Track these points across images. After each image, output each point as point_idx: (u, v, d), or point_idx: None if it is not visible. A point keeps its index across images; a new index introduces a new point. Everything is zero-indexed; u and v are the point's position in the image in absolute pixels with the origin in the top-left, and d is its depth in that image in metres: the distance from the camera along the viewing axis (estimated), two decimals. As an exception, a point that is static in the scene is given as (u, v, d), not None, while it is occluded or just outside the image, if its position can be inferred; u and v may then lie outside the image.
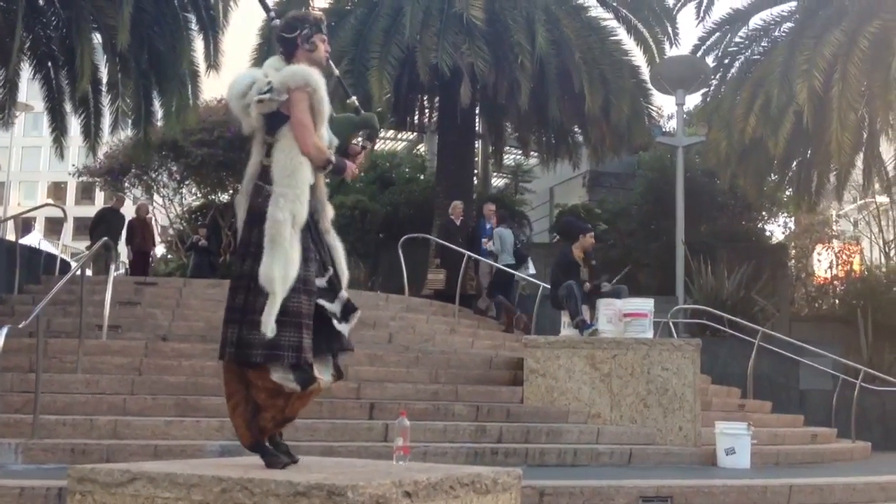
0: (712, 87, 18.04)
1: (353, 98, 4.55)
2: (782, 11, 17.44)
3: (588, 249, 10.38)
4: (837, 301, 19.56)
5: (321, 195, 4.35)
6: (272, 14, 4.48)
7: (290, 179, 4.07)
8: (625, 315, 9.18)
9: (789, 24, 17.01)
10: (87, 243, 16.73)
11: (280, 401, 4.04)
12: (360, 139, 4.54)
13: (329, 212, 4.37)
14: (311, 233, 4.22)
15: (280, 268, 3.96)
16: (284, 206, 4.02)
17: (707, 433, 8.60)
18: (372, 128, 4.54)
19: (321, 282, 4.19)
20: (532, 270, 13.76)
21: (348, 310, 4.25)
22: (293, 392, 4.01)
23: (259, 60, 16.82)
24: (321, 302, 4.13)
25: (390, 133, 24.12)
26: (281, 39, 4.36)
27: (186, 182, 23.07)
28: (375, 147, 22.20)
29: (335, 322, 4.14)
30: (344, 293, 4.26)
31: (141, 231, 17.62)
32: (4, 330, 6.03)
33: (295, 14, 4.44)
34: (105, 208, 18.22)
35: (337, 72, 4.59)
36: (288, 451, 4.17)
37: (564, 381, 8.80)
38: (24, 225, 35.71)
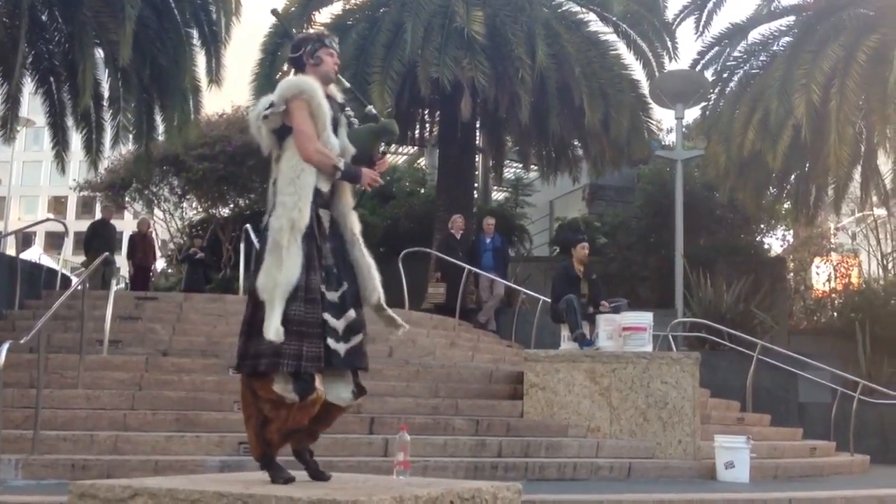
0: (711, 101, 18.08)
1: (370, 106, 4.59)
2: (781, 26, 17.49)
3: (584, 260, 10.40)
4: (836, 314, 19.53)
5: (344, 207, 4.38)
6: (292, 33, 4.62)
7: (290, 187, 4.13)
8: (624, 329, 9.21)
9: (788, 39, 17.06)
10: (85, 259, 16.73)
11: (283, 411, 4.07)
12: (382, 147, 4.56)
13: (356, 224, 4.41)
14: (330, 243, 4.25)
15: (273, 275, 4.00)
16: (282, 214, 4.09)
17: (706, 447, 8.61)
18: (392, 133, 4.53)
19: (333, 296, 4.20)
20: None
21: (351, 330, 4.23)
22: (293, 403, 4.04)
23: (261, 75, 16.89)
24: (326, 316, 4.14)
25: (391, 147, 24.18)
26: (290, 61, 4.56)
27: (187, 196, 23.07)
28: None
29: (330, 340, 4.11)
30: (352, 312, 4.24)
31: (142, 246, 17.62)
32: (6, 346, 6.05)
33: (300, 35, 4.65)
34: (96, 221, 18.01)
35: (347, 84, 4.65)
36: (317, 469, 4.21)
37: (564, 394, 8.82)
38: (25, 239, 35.72)
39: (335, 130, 4.35)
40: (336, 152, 4.27)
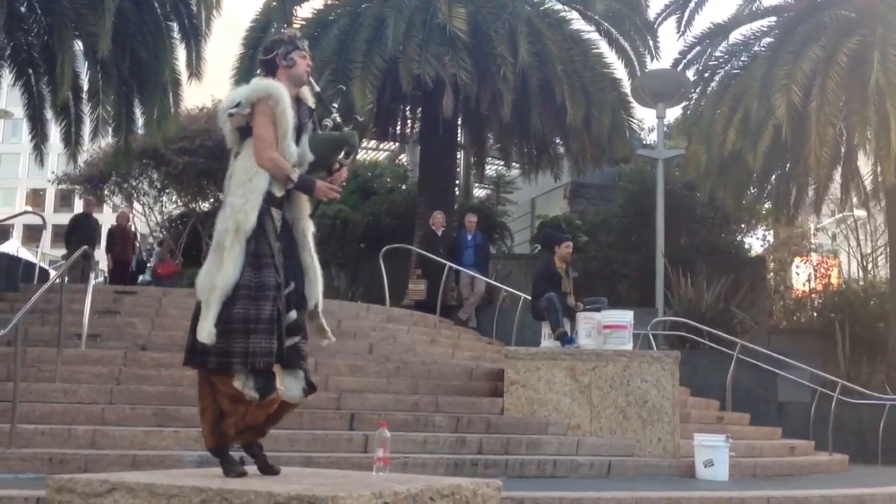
0: (692, 101, 18.13)
1: (334, 115, 4.53)
2: (762, 26, 17.57)
3: (567, 259, 10.40)
4: (815, 314, 19.68)
5: (299, 210, 4.35)
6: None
7: (241, 189, 4.14)
8: (604, 327, 9.20)
9: (769, 39, 17.13)
10: (65, 252, 16.57)
11: (241, 407, 4.09)
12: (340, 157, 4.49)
13: (309, 227, 4.38)
14: (280, 243, 4.22)
15: (212, 276, 4.04)
16: (229, 216, 4.11)
17: (686, 445, 8.63)
18: (351, 144, 4.49)
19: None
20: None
21: (290, 330, 4.22)
22: (252, 400, 4.05)
23: (242, 69, 16.79)
24: (279, 312, 4.15)
25: (372, 143, 24.13)
26: (262, 63, 4.47)
27: (167, 190, 22.98)
28: (357, 157, 22.18)
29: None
30: (293, 314, 4.24)
31: (121, 239, 17.46)
32: (-18, 338, 5.98)
33: (272, 38, 4.57)
34: (78, 215, 17.73)
35: (317, 88, 4.59)
36: (266, 463, 4.21)
37: (545, 392, 8.82)
38: (2, 232, 35.43)
39: (299, 137, 4.33)
40: (294, 161, 4.25)
